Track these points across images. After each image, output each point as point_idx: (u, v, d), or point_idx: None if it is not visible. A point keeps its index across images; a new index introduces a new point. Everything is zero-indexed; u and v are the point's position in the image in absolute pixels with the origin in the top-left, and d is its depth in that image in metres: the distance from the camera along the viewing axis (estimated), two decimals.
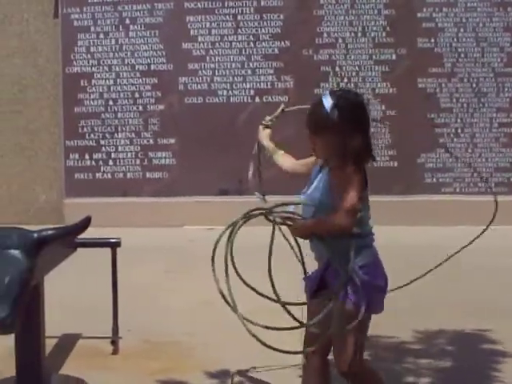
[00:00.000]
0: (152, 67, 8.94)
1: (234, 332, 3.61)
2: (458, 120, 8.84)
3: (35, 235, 3.37)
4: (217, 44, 8.89)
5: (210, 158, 8.77)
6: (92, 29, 8.97)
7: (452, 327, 4.80)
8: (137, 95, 8.95)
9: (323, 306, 2.80)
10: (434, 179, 8.84)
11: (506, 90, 8.85)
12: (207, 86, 8.88)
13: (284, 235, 3.04)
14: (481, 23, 8.85)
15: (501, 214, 6.80)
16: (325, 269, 2.94)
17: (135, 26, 8.94)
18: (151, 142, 8.94)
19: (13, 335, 3.66)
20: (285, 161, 3.45)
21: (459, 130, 8.85)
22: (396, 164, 8.81)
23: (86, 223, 3.67)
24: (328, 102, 2.85)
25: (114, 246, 4.40)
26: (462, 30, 8.84)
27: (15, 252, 3.27)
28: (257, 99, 8.86)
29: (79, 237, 3.93)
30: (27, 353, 3.65)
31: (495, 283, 5.97)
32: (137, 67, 8.95)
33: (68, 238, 3.76)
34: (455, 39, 8.84)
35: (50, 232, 3.46)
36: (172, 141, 8.92)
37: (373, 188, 8.40)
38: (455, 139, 8.84)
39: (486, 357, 4.30)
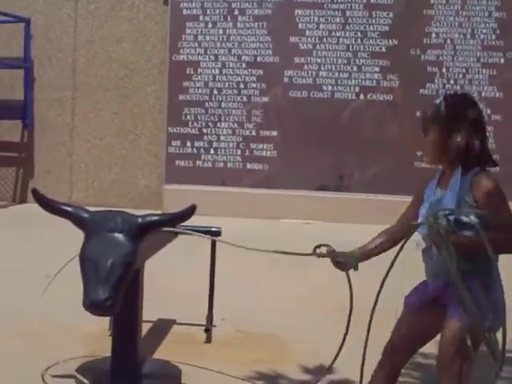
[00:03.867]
0: (258, 59, 9.80)
1: (332, 328, 4.17)
2: None
3: (139, 220, 3.53)
4: (324, 39, 9.70)
5: (311, 153, 9.59)
6: (201, 18, 9.86)
7: None
8: (241, 86, 9.81)
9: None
10: None
11: None
12: (312, 81, 9.70)
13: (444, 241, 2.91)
14: None
15: None
16: (443, 287, 3.02)
17: (243, 17, 9.81)
18: (253, 133, 9.80)
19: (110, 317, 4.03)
20: (380, 241, 3.34)
21: None
22: (499, 169, 9.49)
23: (190, 212, 3.68)
24: (439, 100, 3.13)
25: (215, 235, 4.53)
26: None
27: (119, 235, 3.44)
28: (361, 96, 9.64)
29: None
30: (124, 335, 3.87)
31: None
32: (243, 58, 9.82)
33: (172, 225, 3.83)
34: None
35: (154, 218, 3.62)
36: (274, 133, 9.77)
37: None
38: None
39: None
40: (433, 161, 3.20)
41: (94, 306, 3.30)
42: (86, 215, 3.58)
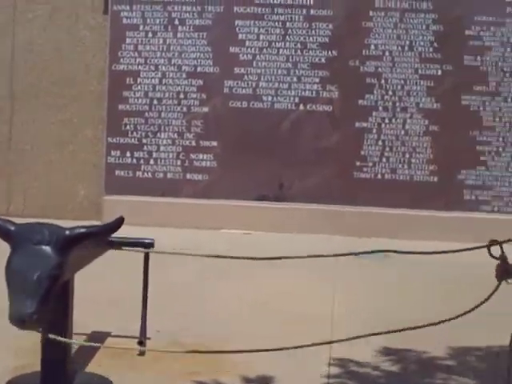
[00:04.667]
0: (198, 69, 9.94)
1: (269, 338, 4.44)
2: (500, 139, 9.84)
3: (67, 232, 3.59)
4: (264, 50, 9.89)
5: (251, 163, 9.77)
6: (141, 27, 9.98)
7: (488, 344, 5.23)
8: (181, 96, 9.95)
9: None
10: (473, 196, 9.83)
11: None
12: (252, 91, 9.87)
13: None
14: None
15: None
16: None
17: (184, 27, 9.95)
18: (193, 143, 9.93)
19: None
20: None
21: (501, 149, 9.85)
22: (436, 179, 9.80)
23: (118, 223, 3.78)
24: None
25: (148, 246, 4.66)
26: (508, 49, 9.85)
27: (46, 248, 3.49)
28: (301, 107, 9.85)
29: (114, 235, 4.09)
30: (53, 349, 3.87)
31: None
32: (183, 68, 9.96)
33: (101, 237, 3.94)
34: (501, 58, 9.84)
35: (81, 230, 3.67)
36: (214, 143, 9.91)
37: (412, 202, 9.55)
38: (496, 158, 9.84)
39: None
40: None
41: (20, 320, 3.36)
42: (11, 228, 3.64)
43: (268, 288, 6.72)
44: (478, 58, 9.84)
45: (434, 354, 5.11)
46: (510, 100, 9.87)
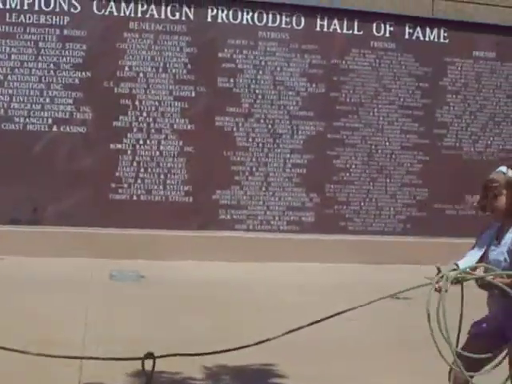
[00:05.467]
0: None
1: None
2: (254, 159, 10.25)
3: None
4: (16, 70, 9.82)
5: (4, 186, 9.66)
6: None
7: (238, 363, 5.43)
8: None
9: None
10: (228, 216, 10.18)
11: (300, 132, 10.37)
12: (4, 112, 9.78)
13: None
14: (278, 67, 10.34)
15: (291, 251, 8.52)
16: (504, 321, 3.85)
17: None
18: None
19: None
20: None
21: (254, 169, 10.25)
22: (191, 199, 10.07)
23: None
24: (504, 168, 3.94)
25: None
26: (260, 72, 10.28)
27: None
28: (54, 128, 9.85)
29: None
30: None
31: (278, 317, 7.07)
32: None
33: None
34: (254, 81, 10.26)
35: None
36: None
37: (168, 223, 9.75)
38: (250, 177, 10.24)
39: None
40: (499, 218, 3.97)
41: None
42: None
43: (17, 312, 6.68)
44: (231, 80, 10.20)
45: (187, 373, 5.24)
46: (262, 121, 10.29)
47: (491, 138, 11.16)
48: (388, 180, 10.72)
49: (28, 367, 4.67)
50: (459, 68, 11.01)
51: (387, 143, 10.71)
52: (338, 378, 5.33)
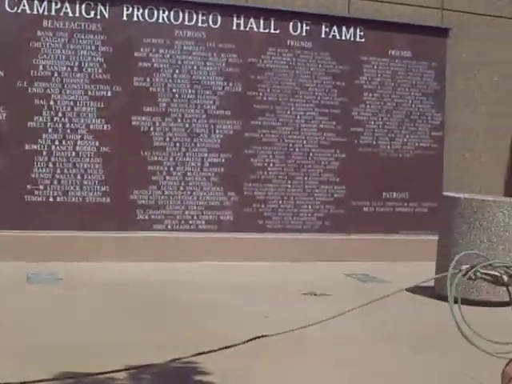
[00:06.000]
0: None
1: None
2: (171, 158, 10.32)
3: None
4: None
5: None
6: None
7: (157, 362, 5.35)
8: None
9: None
10: (146, 216, 10.23)
11: (218, 131, 10.48)
12: None
13: None
14: (195, 66, 10.42)
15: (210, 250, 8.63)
16: None
17: None
18: None
19: None
20: None
21: (172, 168, 10.32)
22: (109, 200, 10.09)
23: None
24: None
25: None
26: (177, 71, 10.34)
27: None
28: None
29: None
30: None
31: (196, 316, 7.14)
32: None
33: None
34: (170, 80, 10.32)
35: None
36: None
37: (85, 224, 9.74)
38: (168, 177, 10.31)
39: None
40: None
41: None
42: None
43: None
44: (148, 79, 10.25)
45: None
46: (179, 120, 10.36)
47: (407, 136, 11.45)
48: (306, 178, 10.90)
49: None
50: (375, 67, 11.27)
51: (304, 141, 10.89)
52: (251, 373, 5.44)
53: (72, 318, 6.89)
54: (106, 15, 10.12)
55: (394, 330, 6.97)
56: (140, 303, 7.61)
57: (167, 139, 10.33)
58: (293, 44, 10.85)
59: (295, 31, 10.85)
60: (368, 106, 11.23)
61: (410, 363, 6.01)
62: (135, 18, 10.23)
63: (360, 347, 6.31)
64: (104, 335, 6.27)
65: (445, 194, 9.39)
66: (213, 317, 7.15)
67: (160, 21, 10.31)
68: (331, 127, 11.02)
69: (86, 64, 10.08)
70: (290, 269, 10.02)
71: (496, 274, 3.37)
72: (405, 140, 11.45)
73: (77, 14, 10.02)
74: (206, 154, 10.47)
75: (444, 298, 8.07)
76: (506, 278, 3.37)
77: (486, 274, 3.37)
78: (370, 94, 11.24)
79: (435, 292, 8.45)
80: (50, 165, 9.96)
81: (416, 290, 8.69)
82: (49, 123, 9.94)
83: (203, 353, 4.08)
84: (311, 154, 10.93)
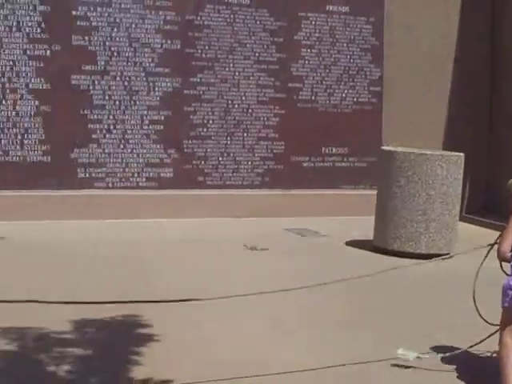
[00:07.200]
0: None
1: None
2: (111, 117, 10.65)
3: None
4: None
5: None
6: None
7: (104, 315, 5.79)
8: None
9: None
10: (87, 174, 10.57)
11: (157, 89, 10.81)
12: None
13: None
14: (133, 24, 10.71)
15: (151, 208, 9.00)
16: None
17: None
18: None
19: None
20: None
21: (112, 127, 10.66)
22: (49, 159, 10.40)
23: None
24: None
25: None
26: (115, 29, 10.62)
27: None
28: None
29: None
30: None
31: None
32: None
33: None
34: (109, 38, 10.60)
35: None
36: None
37: (26, 183, 9.99)
38: (108, 135, 10.64)
39: (133, 341, 5.39)
40: None
41: None
42: None
43: None
44: (86, 38, 10.51)
45: (54, 329, 5.52)
46: (118, 79, 10.67)
47: (346, 91, 11.85)
48: (245, 134, 11.29)
49: None
50: (313, 22, 11.60)
51: (243, 98, 11.25)
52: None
53: (13, 272, 7.29)
54: None
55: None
56: (77, 259, 7.98)
57: (107, 97, 10.64)
58: (231, 1, 11.14)
59: None
60: (306, 62, 11.59)
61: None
62: None
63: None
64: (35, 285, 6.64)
65: (383, 148, 9.72)
66: (153, 271, 7.57)
67: None
68: (270, 83, 11.38)
69: (24, 23, 10.31)
70: (230, 224, 10.41)
71: None
72: (343, 95, 11.84)
73: None
74: (145, 112, 10.81)
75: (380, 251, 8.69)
76: None
77: None
78: (309, 50, 11.58)
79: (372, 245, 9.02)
80: None
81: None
82: None
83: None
84: (250, 111, 11.30)
